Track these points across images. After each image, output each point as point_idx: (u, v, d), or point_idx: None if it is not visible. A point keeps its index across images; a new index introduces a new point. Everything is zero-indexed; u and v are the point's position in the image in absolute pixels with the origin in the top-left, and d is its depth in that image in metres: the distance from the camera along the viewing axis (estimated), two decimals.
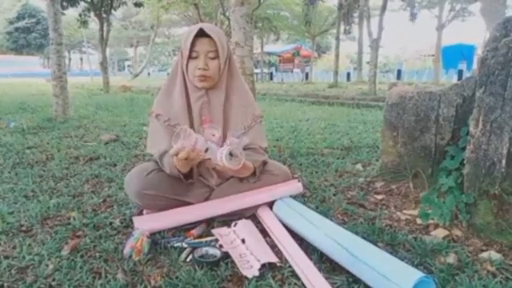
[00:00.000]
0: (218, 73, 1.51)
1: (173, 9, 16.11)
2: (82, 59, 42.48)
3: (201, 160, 1.34)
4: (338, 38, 14.18)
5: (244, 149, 1.53)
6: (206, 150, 1.29)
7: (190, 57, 1.47)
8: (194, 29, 1.45)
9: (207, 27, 1.46)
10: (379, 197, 1.82)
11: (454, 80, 12.50)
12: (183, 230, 1.41)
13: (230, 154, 1.29)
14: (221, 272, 1.13)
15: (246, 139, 1.38)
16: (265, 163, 1.58)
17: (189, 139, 1.23)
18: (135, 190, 1.46)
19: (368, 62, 10.25)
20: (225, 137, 1.55)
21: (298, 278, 1.10)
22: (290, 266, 1.16)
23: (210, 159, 1.32)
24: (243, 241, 1.30)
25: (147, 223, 1.39)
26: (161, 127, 1.52)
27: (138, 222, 1.39)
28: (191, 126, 1.53)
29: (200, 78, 1.48)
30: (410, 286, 0.93)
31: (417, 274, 0.96)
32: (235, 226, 1.42)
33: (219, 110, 1.55)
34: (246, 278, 1.09)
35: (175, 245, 1.27)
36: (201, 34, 1.44)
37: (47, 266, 1.16)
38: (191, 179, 1.50)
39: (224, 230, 1.42)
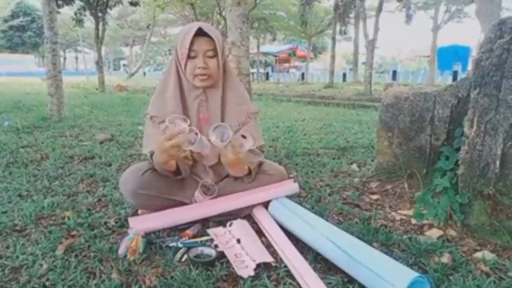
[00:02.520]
0: (217, 71, 1.51)
1: (169, 8, 16.05)
2: (77, 58, 42.20)
3: (188, 155, 1.34)
4: (334, 39, 14.20)
5: None
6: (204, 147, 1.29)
7: (188, 56, 1.47)
8: (192, 28, 1.44)
9: (205, 26, 1.46)
10: (374, 197, 1.83)
11: (449, 81, 12.55)
12: (178, 229, 1.41)
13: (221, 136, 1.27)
14: (216, 272, 1.13)
15: (251, 141, 1.35)
16: (261, 163, 1.58)
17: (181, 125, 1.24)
18: (130, 190, 1.45)
19: (364, 63, 10.28)
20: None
21: (294, 278, 1.10)
22: (286, 266, 1.16)
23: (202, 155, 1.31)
24: (238, 241, 1.30)
25: (142, 223, 1.39)
26: (155, 129, 1.52)
27: (133, 222, 1.39)
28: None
29: (200, 77, 1.48)
30: (405, 286, 0.93)
31: (411, 274, 0.96)
32: (231, 225, 1.42)
33: (217, 107, 1.55)
34: (242, 277, 1.09)
35: (170, 245, 1.27)
36: (198, 33, 1.44)
37: (41, 265, 1.16)
38: (180, 175, 1.49)
39: (219, 229, 1.42)
